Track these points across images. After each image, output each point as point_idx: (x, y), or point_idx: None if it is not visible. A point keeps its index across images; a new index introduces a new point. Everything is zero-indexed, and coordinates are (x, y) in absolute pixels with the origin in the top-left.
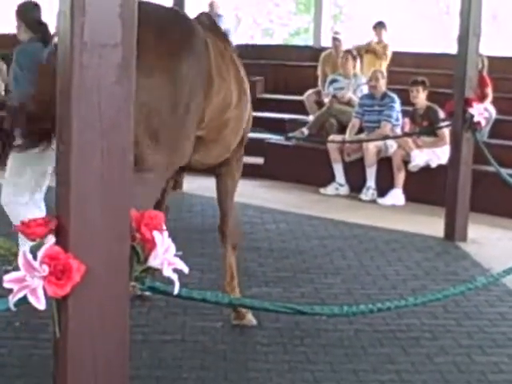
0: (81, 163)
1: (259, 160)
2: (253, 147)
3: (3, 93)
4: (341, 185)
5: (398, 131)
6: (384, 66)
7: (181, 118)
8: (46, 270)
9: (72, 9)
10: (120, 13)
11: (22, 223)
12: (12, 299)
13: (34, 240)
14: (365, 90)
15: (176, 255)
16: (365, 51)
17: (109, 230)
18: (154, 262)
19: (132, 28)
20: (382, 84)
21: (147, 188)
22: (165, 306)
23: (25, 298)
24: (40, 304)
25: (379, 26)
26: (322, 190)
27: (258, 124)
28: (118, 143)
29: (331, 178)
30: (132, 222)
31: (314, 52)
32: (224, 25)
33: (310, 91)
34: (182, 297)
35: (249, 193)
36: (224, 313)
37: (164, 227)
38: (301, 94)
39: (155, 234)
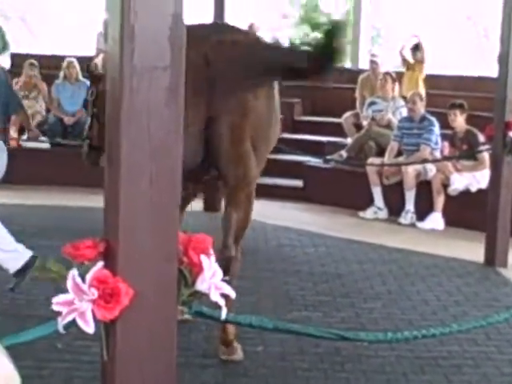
0: (129, 186)
1: (298, 183)
2: (292, 170)
3: (44, 112)
4: (379, 208)
5: (438, 155)
6: (421, 81)
7: (271, 134)
8: (94, 293)
9: (121, 33)
10: (169, 36)
11: (71, 245)
12: (61, 322)
13: (82, 263)
14: (404, 112)
15: (223, 280)
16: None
17: (157, 253)
18: (201, 286)
19: (181, 51)
20: (421, 107)
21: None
22: (205, 329)
23: (73, 321)
24: (89, 327)
25: (416, 48)
26: (360, 214)
27: (297, 146)
28: (166, 166)
29: (370, 202)
30: (179, 245)
31: (351, 74)
32: None
33: (348, 114)
34: (228, 322)
35: (288, 215)
36: (264, 337)
37: (211, 251)
38: (339, 116)
39: (202, 258)
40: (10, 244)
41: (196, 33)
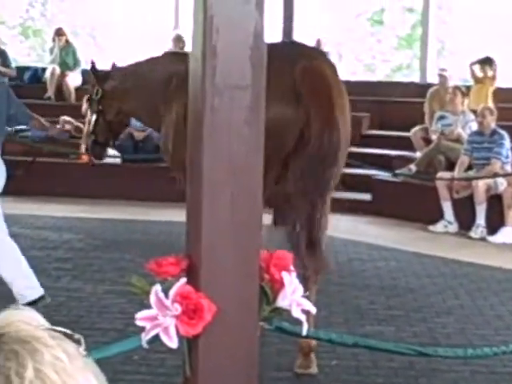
0: (211, 203)
1: (366, 196)
2: (360, 183)
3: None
4: (450, 222)
5: (508, 169)
6: (490, 94)
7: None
8: (178, 309)
9: (204, 52)
10: (250, 55)
11: (155, 262)
12: (145, 337)
13: (165, 279)
14: (473, 126)
15: (303, 296)
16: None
17: (239, 269)
18: (282, 302)
19: (261, 70)
20: (491, 121)
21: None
22: (278, 343)
23: (157, 336)
24: (172, 343)
25: (485, 62)
26: (430, 228)
27: (365, 160)
28: (247, 184)
29: (440, 215)
30: (261, 262)
31: (419, 88)
32: None
33: (416, 128)
34: (308, 337)
35: (356, 229)
36: (338, 351)
37: (292, 268)
38: (407, 130)
39: (284, 274)
40: (26, 270)
41: (278, 53)
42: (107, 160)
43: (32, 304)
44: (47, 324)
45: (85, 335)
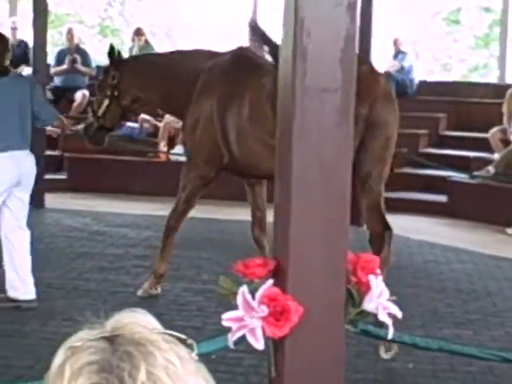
0: (300, 204)
1: (442, 198)
2: (436, 185)
3: None
4: None
5: None
6: None
7: None
8: (265, 310)
9: (294, 55)
10: (341, 58)
11: (242, 263)
12: (231, 338)
13: (251, 280)
14: None
15: (389, 300)
16: None
17: (326, 272)
18: (368, 305)
19: (351, 73)
20: None
21: None
22: (356, 344)
23: (243, 337)
24: (259, 344)
25: None
26: (508, 231)
27: (442, 161)
28: (336, 186)
29: None
30: (348, 264)
31: (497, 89)
32: (407, 62)
33: (494, 129)
34: (393, 341)
35: (432, 231)
36: (415, 354)
37: (378, 271)
38: (485, 131)
39: (371, 277)
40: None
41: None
42: (183, 158)
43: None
44: (161, 327)
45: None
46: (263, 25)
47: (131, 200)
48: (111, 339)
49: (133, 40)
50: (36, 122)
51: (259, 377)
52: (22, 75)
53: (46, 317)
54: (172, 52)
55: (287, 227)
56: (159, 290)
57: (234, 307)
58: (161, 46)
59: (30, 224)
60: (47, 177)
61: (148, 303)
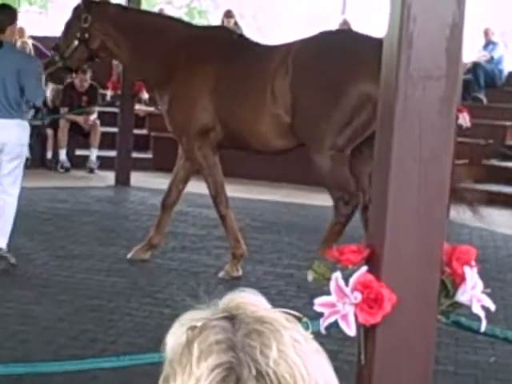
0: (397, 193)
1: None
2: None
3: None
4: None
5: None
6: None
7: None
8: (357, 297)
9: (400, 40)
10: (446, 47)
11: (336, 249)
12: (323, 323)
13: (345, 266)
14: None
15: (483, 292)
16: None
17: (421, 261)
18: (461, 297)
19: (457, 61)
20: None
21: None
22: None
23: (335, 323)
24: (350, 330)
25: None
26: None
27: None
28: (435, 175)
29: None
30: (443, 255)
31: None
32: (497, 52)
33: None
34: (485, 334)
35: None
36: (497, 347)
37: (474, 263)
38: None
39: (466, 269)
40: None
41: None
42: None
43: None
44: (271, 307)
45: None
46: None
47: None
48: (231, 318)
49: (222, 22)
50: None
51: (339, 362)
52: (19, 50)
53: (129, 293)
54: (154, 14)
55: (384, 215)
56: (240, 272)
57: (315, 293)
58: (246, 29)
59: (116, 201)
60: (133, 155)
61: (229, 285)
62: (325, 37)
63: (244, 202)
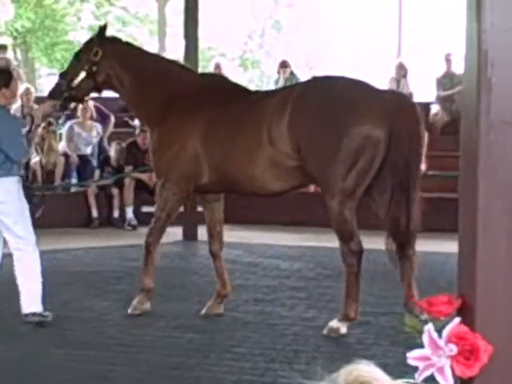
0: (486, 241)
1: None
2: None
3: None
4: None
5: None
6: None
7: None
8: (453, 349)
9: (478, 87)
10: None
11: (426, 300)
12: (419, 377)
13: (437, 318)
14: None
15: None
16: None
17: None
18: None
19: None
20: None
21: None
22: None
23: (431, 376)
24: (448, 383)
25: None
26: None
27: None
28: None
29: None
30: None
31: None
32: None
33: None
34: None
35: None
36: None
37: None
38: None
39: None
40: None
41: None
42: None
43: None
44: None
45: (324, 365)
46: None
47: (280, 231)
48: None
49: (278, 72)
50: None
51: None
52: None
53: (207, 349)
54: (157, 56)
55: (473, 264)
56: (344, 329)
57: (394, 340)
58: (301, 76)
59: (185, 256)
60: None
61: (307, 335)
62: (323, 81)
63: (313, 251)
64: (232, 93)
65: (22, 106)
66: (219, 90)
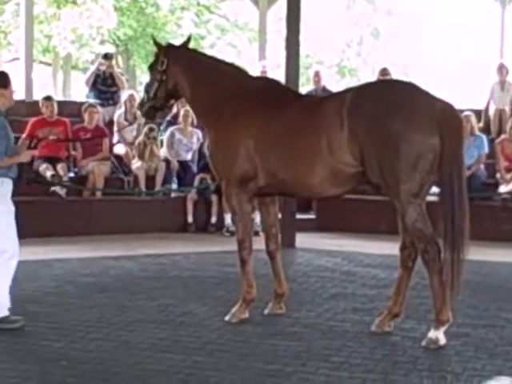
0: None
1: None
2: None
3: None
4: None
5: None
6: None
7: None
8: None
9: None
10: None
11: None
12: None
13: None
14: None
15: None
16: None
17: None
18: None
19: None
20: None
21: None
22: None
23: None
24: None
25: None
26: None
27: None
28: None
29: None
30: None
31: None
32: None
33: None
34: None
35: None
36: None
37: None
38: None
39: None
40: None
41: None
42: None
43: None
44: None
45: (425, 377)
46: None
47: (378, 239)
48: None
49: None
50: None
51: None
52: None
53: (305, 357)
54: (215, 59)
55: None
56: (443, 341)
57: (493, 353)
58: None
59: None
60: (297, 217)
61: (405, 346)
62: (376, 88)
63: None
64: (286, 97)
65: (126, 111)
66: (273, 94)
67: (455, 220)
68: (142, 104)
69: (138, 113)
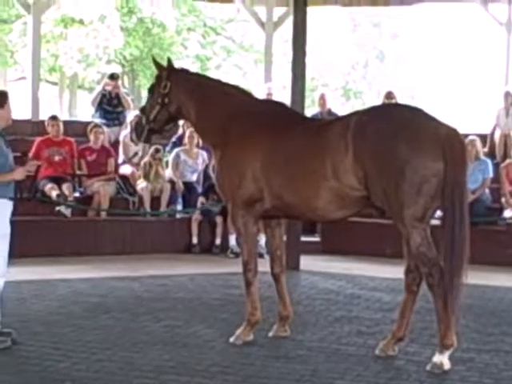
0: None
1: None
2: None
3: None
4: None
5: None
6: None
7: None
8: None
9: None
10: None
11: None
12: None
13: None
14: None
15: None
16: None
17: None
18: None
19: None
20: None
21: None
22: None
23: None
24: None
25: None
26: None
27: None
28: None
29: None
30: None
31: None
32: None
33: None
34: None
35: None
36: None
37: None
38: None
39: None
40: None
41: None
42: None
43: None
44: None
45: None
46: None
47: (382, 263)
48: None
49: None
50: None
51: None
52: None
53: (309, 380)
54: (220, 82)
55: None
56: (448, 365)
57: (499, 377)
58: None
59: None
60: (302, 239)
61: (407, 371)
62: (380, 112)
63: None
64: (291, 119)
65: (131, 131)
66: (279, 116)
67: (455, 244)
68: (137, 127)
69: None
